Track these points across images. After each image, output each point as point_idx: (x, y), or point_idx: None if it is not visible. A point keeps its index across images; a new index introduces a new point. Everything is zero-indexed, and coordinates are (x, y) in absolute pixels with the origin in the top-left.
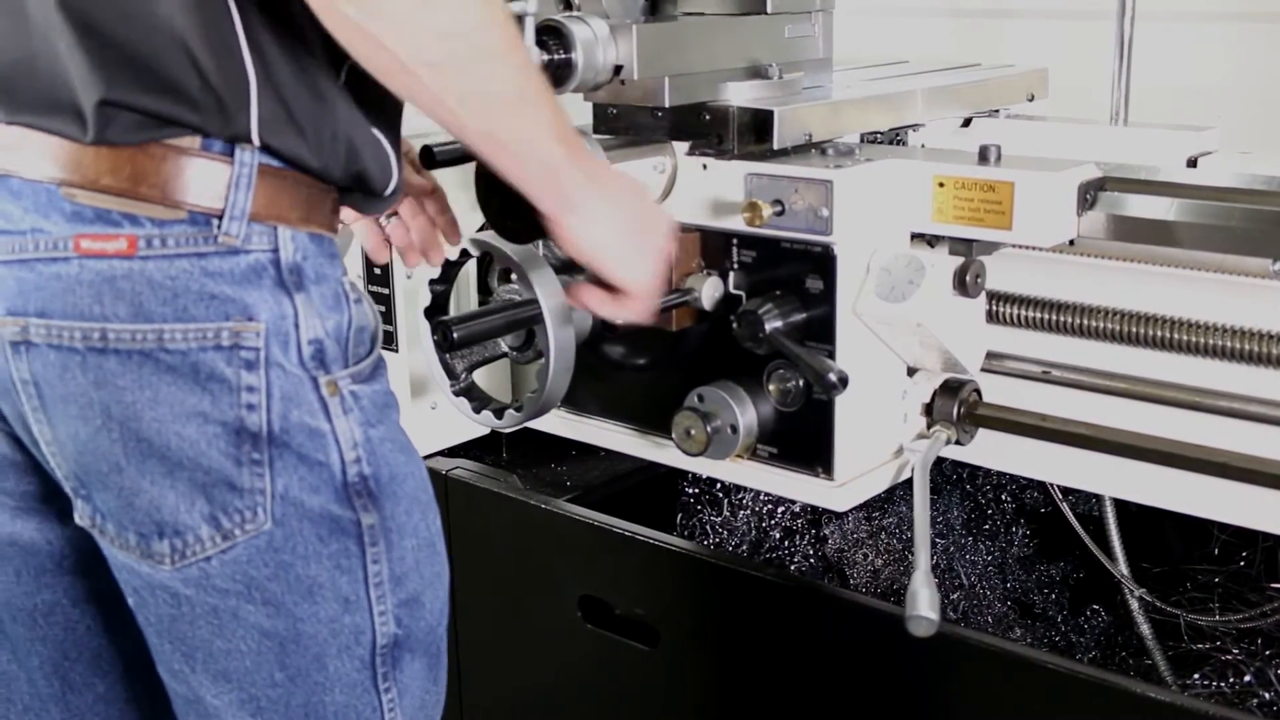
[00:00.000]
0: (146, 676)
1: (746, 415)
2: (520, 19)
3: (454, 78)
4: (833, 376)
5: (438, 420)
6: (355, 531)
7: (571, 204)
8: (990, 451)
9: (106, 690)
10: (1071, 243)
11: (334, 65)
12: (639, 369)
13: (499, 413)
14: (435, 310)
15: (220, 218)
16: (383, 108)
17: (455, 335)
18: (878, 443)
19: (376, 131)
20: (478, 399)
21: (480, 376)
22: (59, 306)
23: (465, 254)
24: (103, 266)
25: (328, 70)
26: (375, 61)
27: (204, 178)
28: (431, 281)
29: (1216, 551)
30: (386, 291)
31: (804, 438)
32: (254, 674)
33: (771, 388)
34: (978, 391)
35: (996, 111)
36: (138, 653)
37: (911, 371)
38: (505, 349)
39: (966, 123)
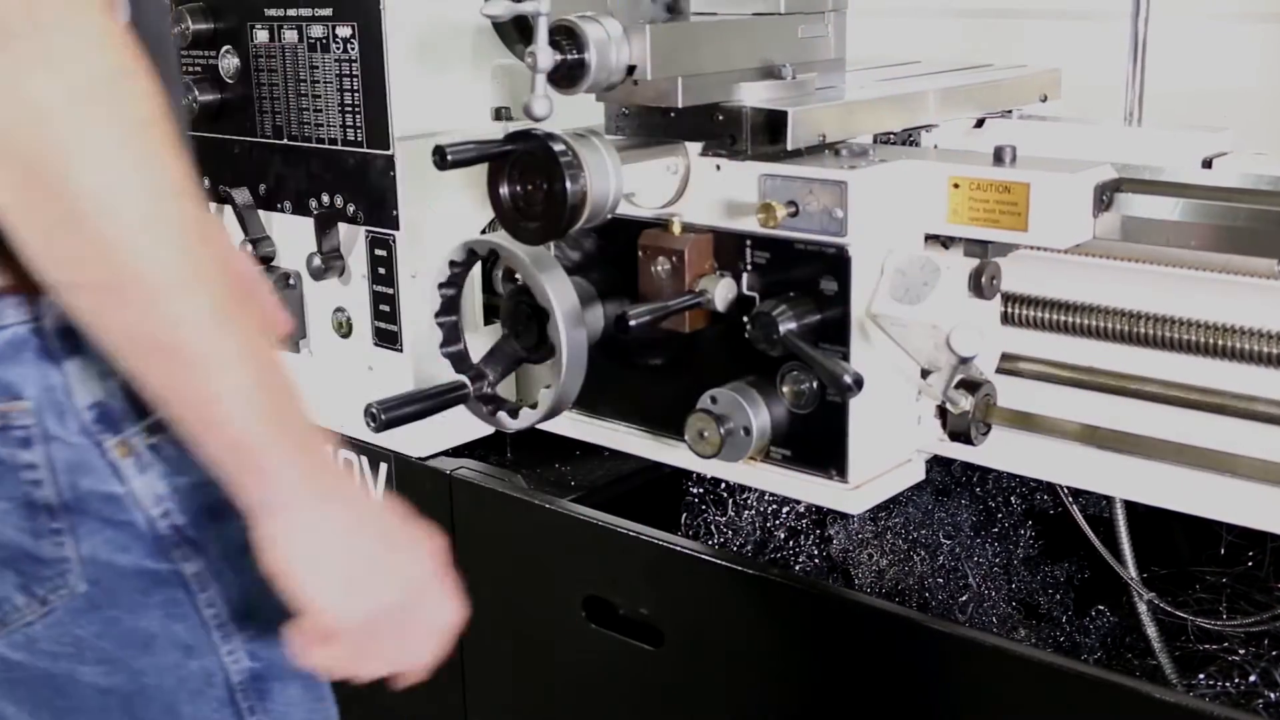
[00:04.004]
0: None
1: (760, 417)
2: (533, 19)
3: (104, 309)
4: (847, 378)
5: (441, 420)
6: (178, 581)
7: (274, 502)
8: (1000, 453)
9: None
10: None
11: None
12: (651, 371)
13: (512, 413)
14: (445, 313)
15: None
16: None
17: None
18: (892, 445)
19: None
20: (504, 409)
21: None
22: None
23: (473, 254)
24: None
25: None
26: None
27: None
28: (440, 285)
29: (1223, 552)
30: (390, 291)
31: (818, 440)
32: None
33: (785, 390)
34: (992, 393)
35: (1009, 112)
36: None
37: (925, 373)
38: (524, 356)
39: (979, 123)
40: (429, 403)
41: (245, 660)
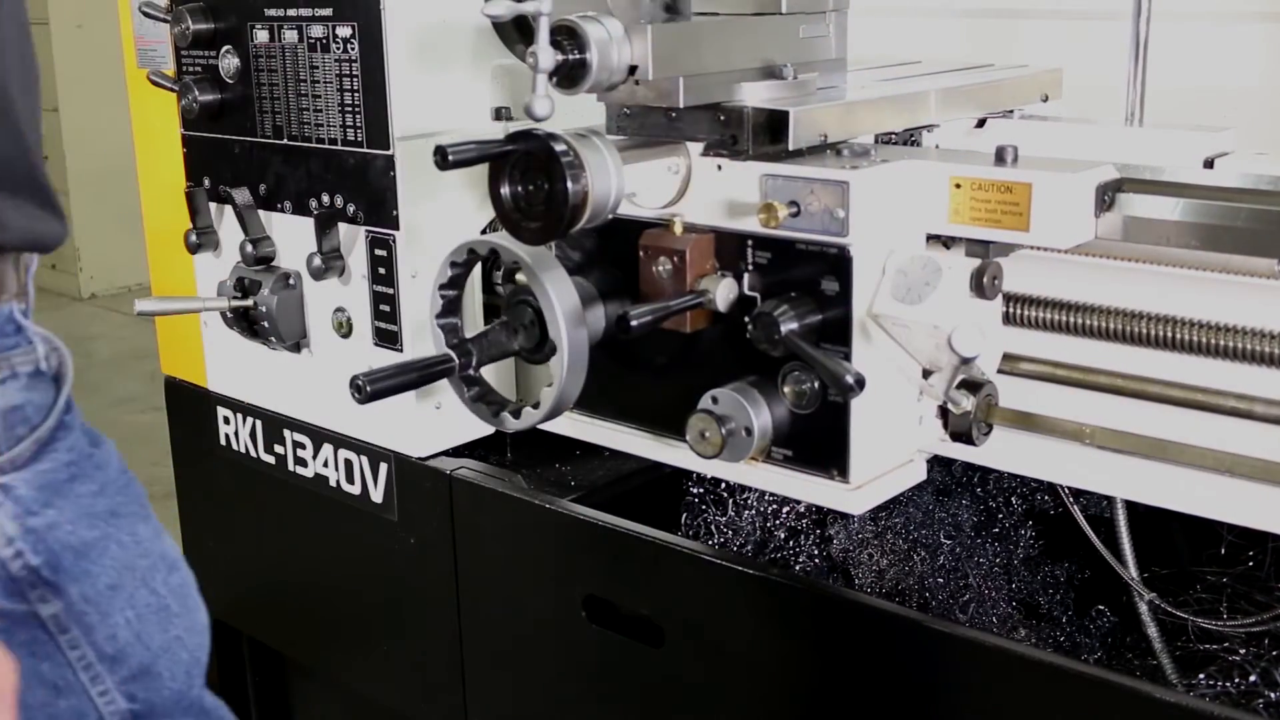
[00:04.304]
0: None
1: (761, 418)
2: (535, 19)
3: None
4: (849, 379)
5: (442, 420)
6: (37, 622)
7: None
8: (1001, 453)
9: None
10: None
11: None
12: (652, 371)
13: (513, 413)
14: (449, 287)
15: None
16: None
17: (369, 389)
18: (893, 445)
19: None
20: (492, 402)
21: (488, 376)
22: None
23: (474, 254)
24: None
25: None
26: None
27: None
28: (452, 264)
29: (1224, 552)
30: (390, 291)
31: (819, 440)
32: None
33: (786, 390)
34: (994, 393)
35: (1011, 112)
36: None
37: (927, 374)
38: (516, 348)
39: (981, 123)
40: (414, 375)
41: (121, 702)
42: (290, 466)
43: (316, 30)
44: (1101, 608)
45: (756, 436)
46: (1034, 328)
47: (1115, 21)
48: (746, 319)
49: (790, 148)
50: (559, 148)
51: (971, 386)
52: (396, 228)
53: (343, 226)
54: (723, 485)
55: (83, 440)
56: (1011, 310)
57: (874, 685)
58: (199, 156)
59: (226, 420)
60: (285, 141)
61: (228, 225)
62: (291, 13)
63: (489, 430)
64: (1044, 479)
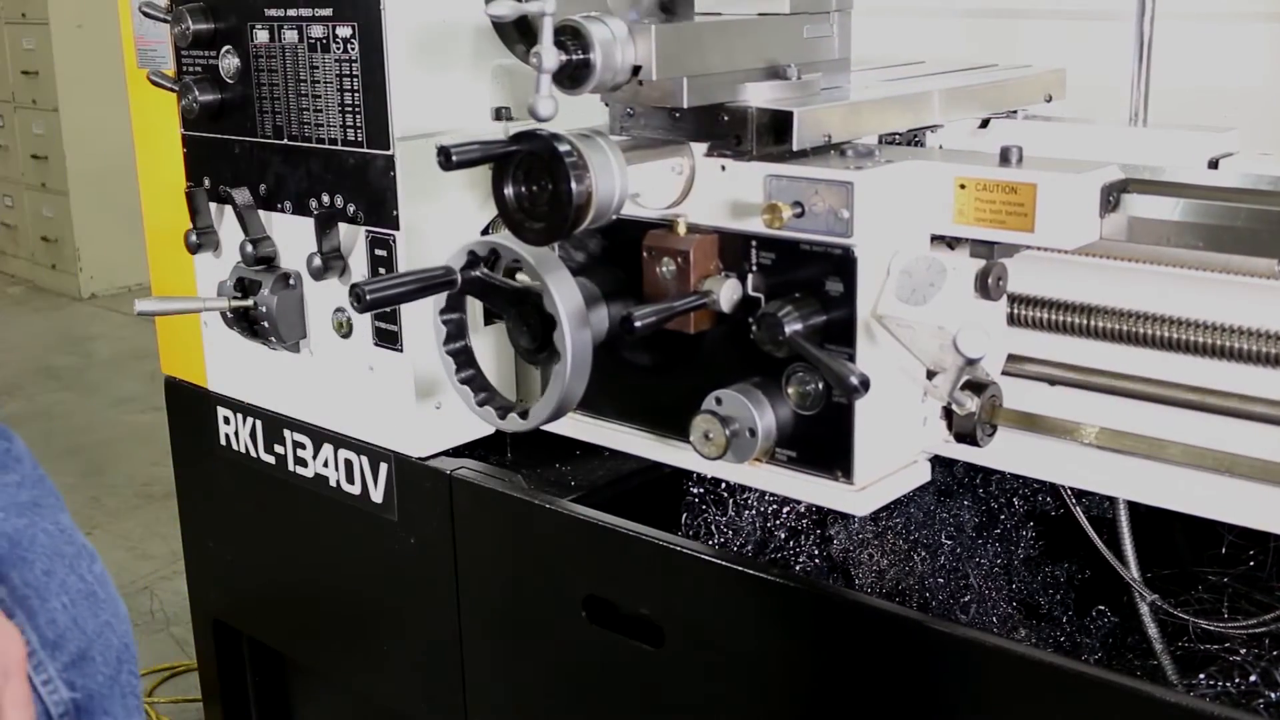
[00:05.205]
0: None
1: (765, 418)
2: (538, 19)
3: None
4: (854, 380)
5: (442, 420)
6: None
7: None
8: (1003, 454)
9: None
10: None
11: None
12: (656, 372)
13: (516, 414)
14: (450, 309)
15: None
16: None
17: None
18: (898, 446)
19: None
20: (498, 404)
21: (489, 377)
22: None
23: (474, 256)
24: None
25: None
26: None
27: None
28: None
29: (1224, 551)
30: None
31: (823, 441)
32: None
33: (790, 391)
34: (998, 394)
35: (1015, 112)
36: None
37: (931, 375)
38: (509, 312)
39: (985, 124)
40: (414, 285)
41: (64, 691)
42: (290, 466)
43: (316, 30)
44: (1102, 608)
45: (760, 437)
46: (1037, 329)
47: (1117, 22)
48: (750, 320)
49: (794, 148)
50: (563, 148)
51: (976, 387)
52: (396, 228)
53: (343, 226)
54: (723, 485)
55: None
56: (1016, 311)
57: (874, 685)
58: (199, 156)
59: (226, 420)
60: (285, 141)
61: (228, 225)
62: (291, 13)
63: (489, 430)
64: (1046, 480)
